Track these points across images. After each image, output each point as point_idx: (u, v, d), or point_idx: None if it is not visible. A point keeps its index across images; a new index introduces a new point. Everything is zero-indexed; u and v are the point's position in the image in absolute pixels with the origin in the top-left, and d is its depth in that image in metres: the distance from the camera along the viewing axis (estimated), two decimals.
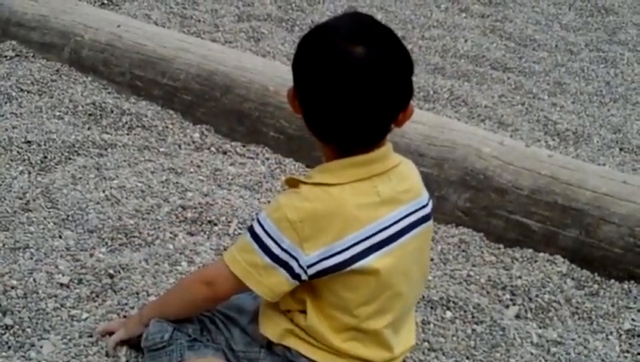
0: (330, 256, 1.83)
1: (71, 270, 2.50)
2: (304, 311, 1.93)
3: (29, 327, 2.25)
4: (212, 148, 3.43)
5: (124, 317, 2.30)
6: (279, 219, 1.83)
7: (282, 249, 1.83)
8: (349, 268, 1.84)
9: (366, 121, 1.80)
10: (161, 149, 3.38)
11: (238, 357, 2.06)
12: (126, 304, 2.36)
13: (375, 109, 1.79)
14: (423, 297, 2.55)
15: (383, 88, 1.77)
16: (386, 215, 1.88)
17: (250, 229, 1.89)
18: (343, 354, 1.94)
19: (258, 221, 1.87)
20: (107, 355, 2.17)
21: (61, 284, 2.44)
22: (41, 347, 2.20)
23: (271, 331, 1.99)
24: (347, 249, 1.83)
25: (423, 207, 1.98)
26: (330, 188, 1.83)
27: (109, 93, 3.82)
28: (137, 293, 2.41)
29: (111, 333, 2.20)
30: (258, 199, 3.05)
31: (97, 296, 2.41)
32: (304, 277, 1.85)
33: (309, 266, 1.83)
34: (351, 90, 1.75)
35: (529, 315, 2.58)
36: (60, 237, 2.68)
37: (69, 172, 3.08)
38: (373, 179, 1.86)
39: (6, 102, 3.64)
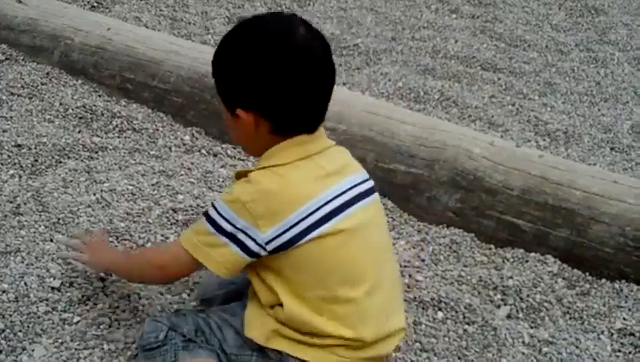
0: (287, 230, 1.90)
1: (62, 273, 2.49)
2: (280, 305, 1.97)
3: (20, 331, 2.25)
4: (203, 151, 3.43)
5: (116, 320, 2.31)
6: (232, 201, 1.92)
7: (236, 228, 1.91)
8: (306, 238, 1.90)
9: (314, 98, 1.96)
10: (151, 152, 3.37)
11: (230, 360, 2.06)
12: (117, 307, 2.36)
13: (320, 86, 1.96)
14: (415, 298, 2.56)
15: (327, 63, 1.97)
16: (333, 185, 1.97)
17: (206, 214, 1.97)
18: (333, 347, 1.96)
19: (213, 206, 1.96)
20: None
21: (52, 288, 2.43)
22: (33, 351, 2.19)
23: (257, 333, 2.02)
24: (302, 220, 1.90)
25: (367, 180, 2.08)
26: (277, 168, 1.94)
27: (99, 96, 3.82)
28: (129, 296, 2.41)
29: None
30: None
31: (89, 300, 2.41)
32: (264, 253, 1.92)
33: (267, 243, 1.91)
34: (304, 68, 1.91)
35: (520, 315, 2.59)
36: (51, 240, 2.68)
37: (59, 175, 3.08)
38: (314, 158, 1.97)
39: None
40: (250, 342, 2.04)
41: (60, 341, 2.23)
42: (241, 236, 1.91)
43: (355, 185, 2.02)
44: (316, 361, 1.97)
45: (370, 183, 2.09)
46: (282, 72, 1.90)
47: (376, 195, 2.10)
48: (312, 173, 1.95)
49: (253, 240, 1.90)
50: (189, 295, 2.48)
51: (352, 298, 1.95)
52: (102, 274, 2.49)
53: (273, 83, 1.91)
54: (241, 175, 2.00)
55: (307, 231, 1.90)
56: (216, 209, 1.95)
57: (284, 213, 1.89)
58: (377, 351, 2.03)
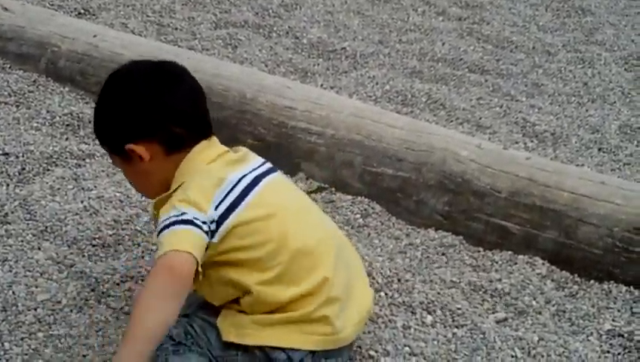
0: (224, 198, 2.04)
1: (50, 282, 2.49)
2: (247, 292, 2.05)
3: (7, 341, 2.25)
4: None
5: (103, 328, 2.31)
6: (172, 206, 2.00)
7: (188, 216, 1.98)
8: (241, 206, 2.05)
9: (184, 101, 2.16)
10: None
11: None
12: (107, 320, 2.37)
13: (184, 88, 2.20)
14: (403, 302, 2.56)
15: (182, 70, 2.27)
16: (242, 167, 2.16)
17: (158, 231, 2.00)
18: (308, 323, 2.06)
19: (161, 224, 1.99)
20: None
21: (41, 297, 2.43)
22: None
23: (232, 334, 2.07)
24: (234, 187, 2.07)
25: (264, 163, 2.27)
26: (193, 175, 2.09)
27: (86, 103, 3.80)
28: (121, 308, 2.41)
29: None
30: None
31: (80, 310, 2.41)
32: (213, 227, 2.01)
33: (212, 221, 2.01)
34: (161, 78, 2.18)
35: (509, 318, 2.59)
36: (39, 249, 2.67)
37: (47, 183, 3.07)
38: (217, 160, 2.14)
39: None
40: (232, 343, 2.08)
41: (47, 350, 2.23)
42: (190, 217, 1.97)
43: (258, 167, 2.21)
44: (295, 345, 2.06)
45: (269, 165, 2.27)
46: (141, 88, 2.13)
47: (278, 172, 2.30)
48: (224, 160, 2.15)
49: (204, 222, 1.98)
50: None
51: (301, 246, 2.09)
52: (91, 281, 2.48)
53: (139, 103, 2.11)
54: (161, 201, 2.10)
55: (242, 195, 2.07)
56: (162, 221, 1.98)
57: (213, 191, 2.04)
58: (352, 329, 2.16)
